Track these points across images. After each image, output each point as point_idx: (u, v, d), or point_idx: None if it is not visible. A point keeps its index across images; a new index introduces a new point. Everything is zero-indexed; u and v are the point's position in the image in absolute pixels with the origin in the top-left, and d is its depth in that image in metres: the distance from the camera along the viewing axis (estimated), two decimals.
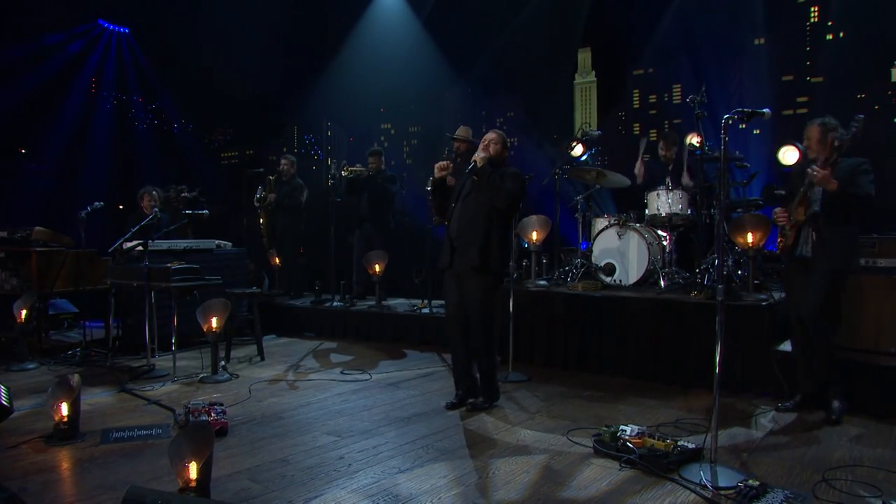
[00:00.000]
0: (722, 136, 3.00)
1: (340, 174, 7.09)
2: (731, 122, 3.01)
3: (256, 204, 7.88)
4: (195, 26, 9.98)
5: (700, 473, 2.88)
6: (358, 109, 11.56)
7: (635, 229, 5.63)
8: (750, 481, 2.75)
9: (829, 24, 8.88)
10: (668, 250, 5.65)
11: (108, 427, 3.69)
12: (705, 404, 4.12)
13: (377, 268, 6.56)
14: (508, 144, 4.29)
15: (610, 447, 3.22)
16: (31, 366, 5.47)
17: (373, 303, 6.91)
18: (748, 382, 4.42)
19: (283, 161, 7.99)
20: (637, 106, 11.37)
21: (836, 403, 3.80)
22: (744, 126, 3.26)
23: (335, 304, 7.16)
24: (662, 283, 5.31)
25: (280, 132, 12.76)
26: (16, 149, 10.12)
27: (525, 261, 6.23)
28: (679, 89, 10.42)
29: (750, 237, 4.83)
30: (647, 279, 5.58)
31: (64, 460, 3.28)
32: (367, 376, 5.10)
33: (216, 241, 6.54)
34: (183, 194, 6.88)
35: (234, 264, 6.68)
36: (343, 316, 6.97)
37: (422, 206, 7.34)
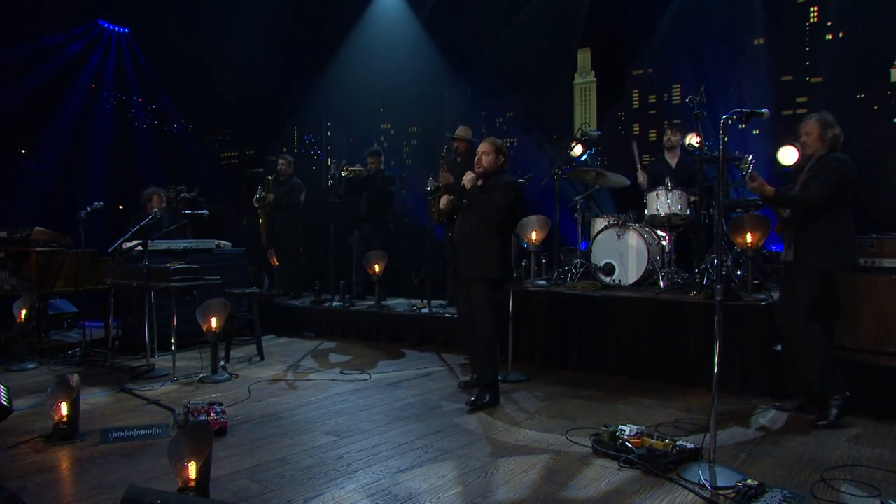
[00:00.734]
0: (721, 136, 3.01)
1: (340, 174, 7.09)
2: (730, 122, 3.02)
3: (256, 204, 7.88)
4: (195, 26, 9.97)
5: (699, 473, 2.89)
6: (358, 109, 11.55)
7: (635, 229, 5.63)
8: (749, 481, 2.75)
9: (829, 24, 8.86)
10: (667, 250, 5.66)
11: (108, 427, 3.70)
12: (704, 404, 4.12)
13: (376, 268, 6.56)
14: (504, 149, 4.33)
15: (609, 447, 3.23)
16: (30, 366, 5.48)
17: (372, 303, 6.91)
18: (747, 382, 4.42)
19: (280, 161, 7.99)
20: (637, 106, 11.34)
21: (833, 411, 3.69)
22: (743, 126, 3.27)
23: (335, 304, 7.17)
24: (662, 283, 5.32)
25: (280, 132, 12.73)
26: (16, 149, 10.09)
27: (524, 261, 6.22)
28: (679, 89, 10.40)
29: (749, 237, 4.82)
30: (647, 279, 5.58)
31: (63, 460, 3.29)
32: (367, 376, 5.11)
33: (216, 242, 6.54)
34: (182, 194, 6.88)
35: (233, 264, 6.68)
36: (342, 316, 6.98)
37: (421, 206, 7.33)
